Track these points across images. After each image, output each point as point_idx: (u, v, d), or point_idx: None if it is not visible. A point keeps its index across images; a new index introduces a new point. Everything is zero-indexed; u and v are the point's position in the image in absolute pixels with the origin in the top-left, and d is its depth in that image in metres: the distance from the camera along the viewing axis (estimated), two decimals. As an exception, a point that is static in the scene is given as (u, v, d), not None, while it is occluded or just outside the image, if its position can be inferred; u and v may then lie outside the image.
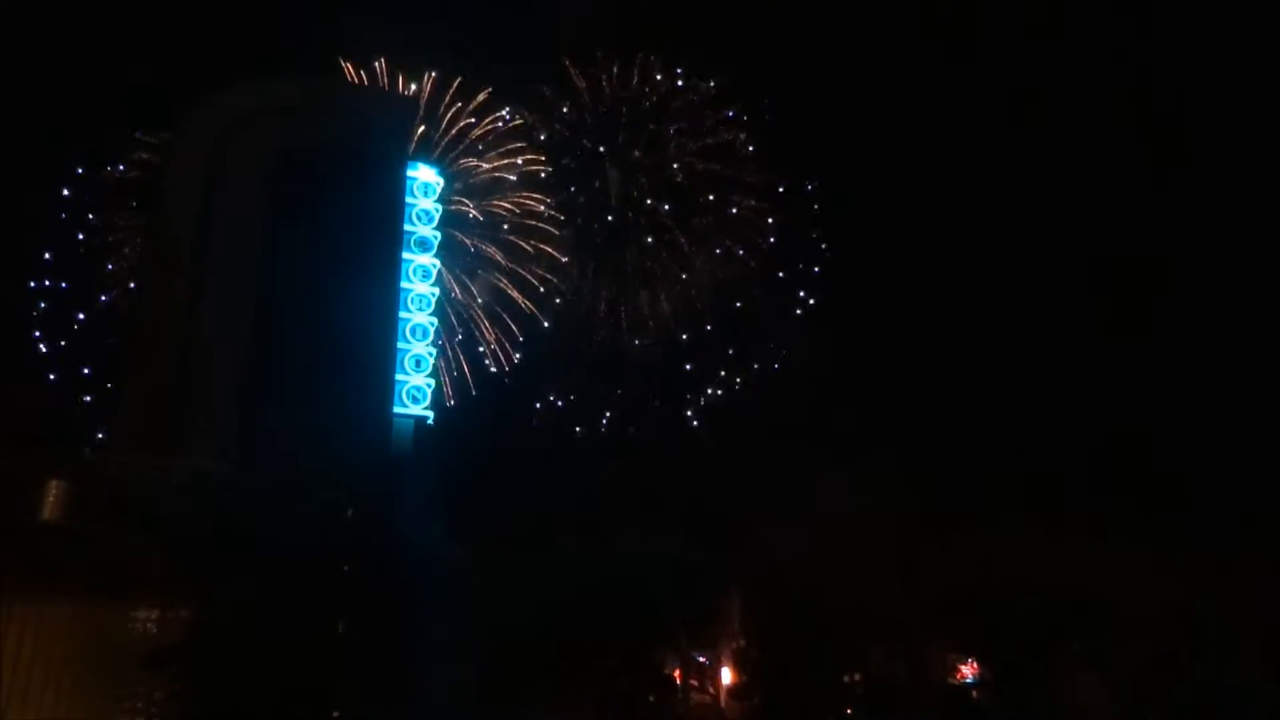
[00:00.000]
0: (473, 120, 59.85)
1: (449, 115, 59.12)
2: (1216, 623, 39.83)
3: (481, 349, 58.20)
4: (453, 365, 57.35)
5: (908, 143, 67.73)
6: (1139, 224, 60.07)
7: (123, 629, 34.85)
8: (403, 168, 50.52)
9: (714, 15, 69.13)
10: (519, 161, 60.55)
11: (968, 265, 62.33)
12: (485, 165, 59.83)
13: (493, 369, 58.47)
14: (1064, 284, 61.09)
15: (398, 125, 51.88)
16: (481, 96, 59.67)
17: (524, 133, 61.37)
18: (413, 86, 58.24)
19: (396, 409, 47.23)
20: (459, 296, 57.99)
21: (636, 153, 63.88)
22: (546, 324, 59.31)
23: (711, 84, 64.77)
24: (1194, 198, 59.24)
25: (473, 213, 58.95)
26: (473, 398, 57.21)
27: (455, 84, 58.83)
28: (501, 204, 59.84)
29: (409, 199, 50.34)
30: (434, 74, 58.71)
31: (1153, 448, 49.95)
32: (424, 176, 51.40)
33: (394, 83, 57.57)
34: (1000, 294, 60.68)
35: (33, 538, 33.68)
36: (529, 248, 59.55)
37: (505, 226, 59.47)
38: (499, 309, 58.63)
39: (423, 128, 57.56)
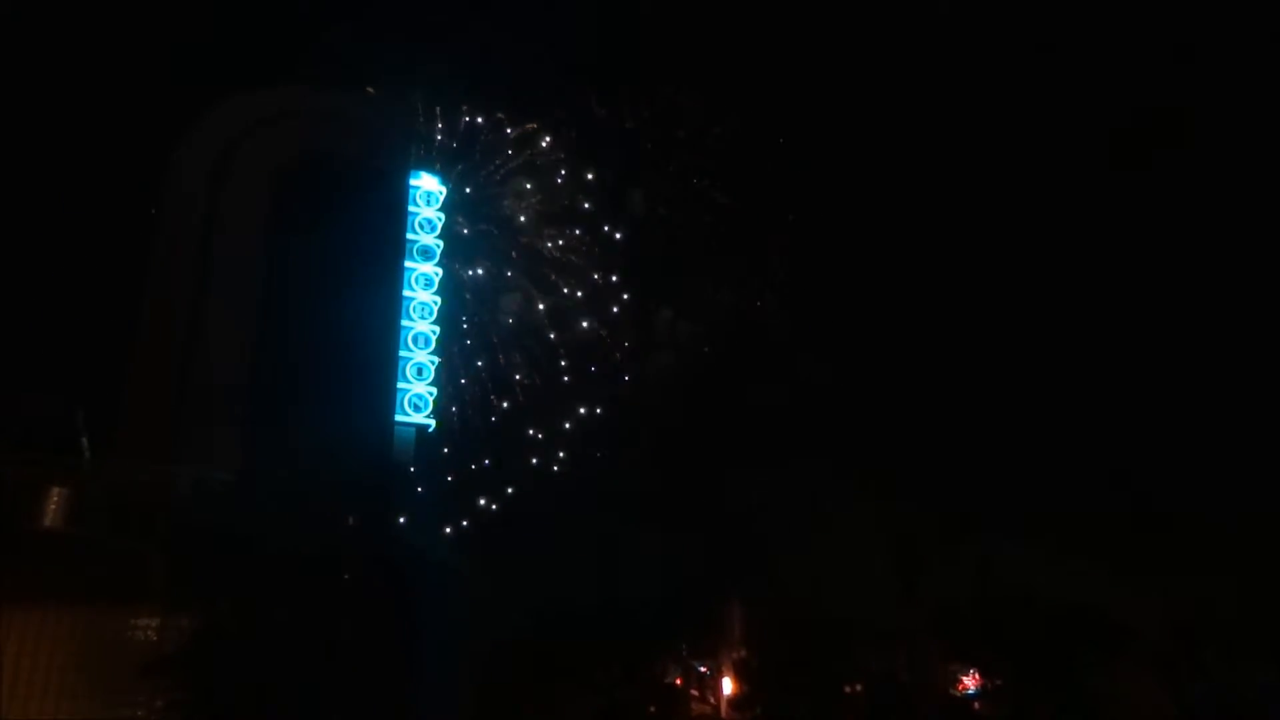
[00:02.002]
0: (506, 155, 60.58)
1: (479, 145, 59.82)
2: (1220, 627, 39.84)
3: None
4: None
5: (903, 147, 67.85)
6: (1134, 223, 60.28)
7: (123, 636, 34.73)
8: (406, 176, 50.75)
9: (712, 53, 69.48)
10: (548, 194, 61.25)
11: (966, 271, 62.46)
12: (512, 195, 60.38)
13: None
14: (1061, 288, 61.19)
15: (401, 133, 52.24)
16: (512, 132, 60.42)
17: (551, 164, 61.97)
18: (452, 144, 59.01)
19: (398, 417, 47.25)
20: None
21: (657, 182, 64.65)
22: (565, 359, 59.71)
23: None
24: (1189, 198, 59.51)
25: (514, 253, 59.69)
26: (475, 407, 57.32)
27: (494, 117, 59.71)
28: (535, 237, 60.61)
29: (412, 207, 50.60)
30: (473, 113, 59.39)
31: (1151, 451, 50.05)
32: (427, 185, 51.59)
33: (431, 118, 58.23)
34: (998, 301, 60.79)
35: (33, 545, 33.58)
36: (556, 277, 60.35)
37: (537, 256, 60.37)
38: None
39: (460, 166, 58.32)
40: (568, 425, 58.71)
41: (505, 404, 58.08)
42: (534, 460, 56.62)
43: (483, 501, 54.50)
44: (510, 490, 55.24)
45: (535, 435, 57.93)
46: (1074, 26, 67.06)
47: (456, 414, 55.88)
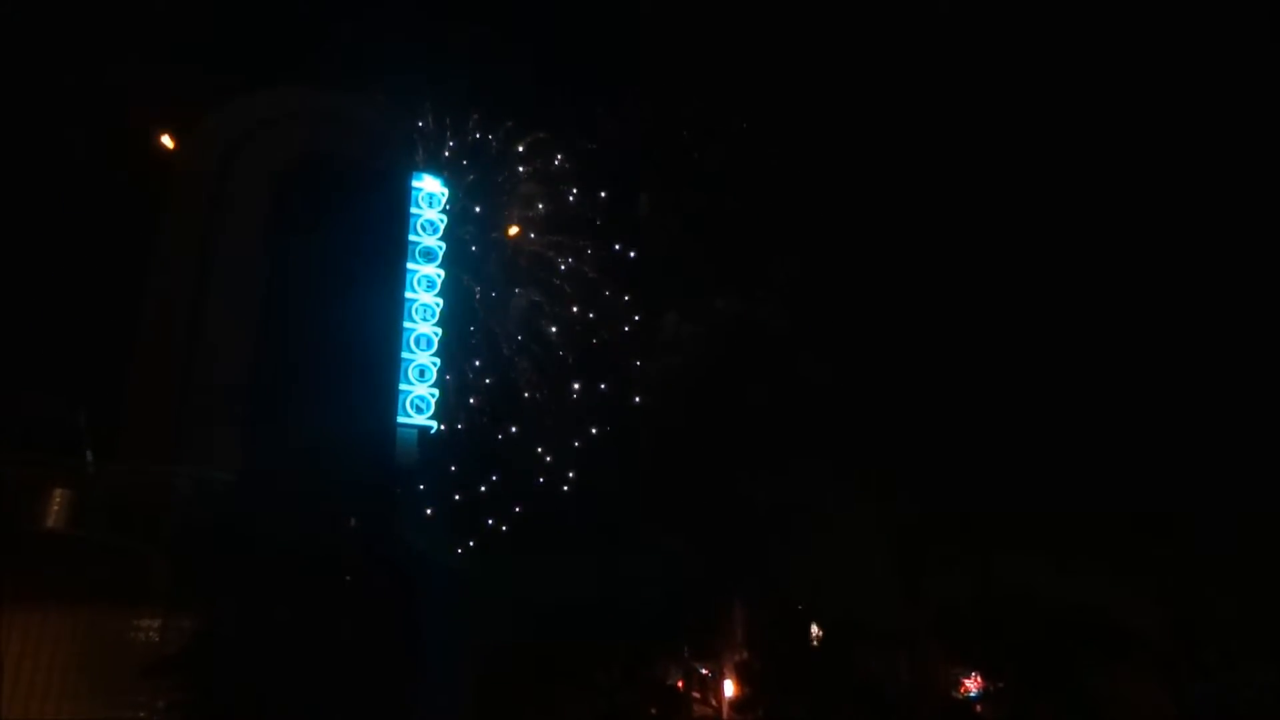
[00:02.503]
0: (512, 163, 60.59)
1: (486, 154, 59.85)
2: (1221, 627, 39.88)
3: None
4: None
5: (904, 147, 67.83)
6: (1136, 226, 60.30)
7: (125, 637, 34.69)
8: (408, 178, 50.78)
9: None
10: (563, 201, 61.27)
11: (967, 272, 62.47)
12: (518, 202, 60.38)
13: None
14: (1062, 289, 61.18)
15: (403, 135, 52.27)
16: (516, 140, 60.51)
17: (557, 172, 62.01)
18: (458, 151, 58.94)
19: (400, 418, 47.25)
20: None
21: (662, 185, 64.69)
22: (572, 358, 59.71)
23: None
24: (1189, 202, 59.57)
25: (522, 260, 59.71)
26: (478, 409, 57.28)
27: (505, 130, 59.88)
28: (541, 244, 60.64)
29: (414, 209, 50.63)
30: (478, 120, 59.48)
31: (1152, 452, 50.04)
32: (429, 187, 51.61)
33: (432, 124, 58.20)
34: (999, 303, 60.78)
35: (35, 546, 33.54)
36: (561, 282, 60.34)
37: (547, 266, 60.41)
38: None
39: (471, 176, 58.39)
40: (574, 435, 58.67)
41: (511, 412, 58.05)
42: (541, 479, 56.29)
43: (491, 521, 54.18)
44: (515, 500, 55.00)
45: (541, 440, 57.87)
46: (1076, 26, 67.16)
47: (463, 424, 55.78)
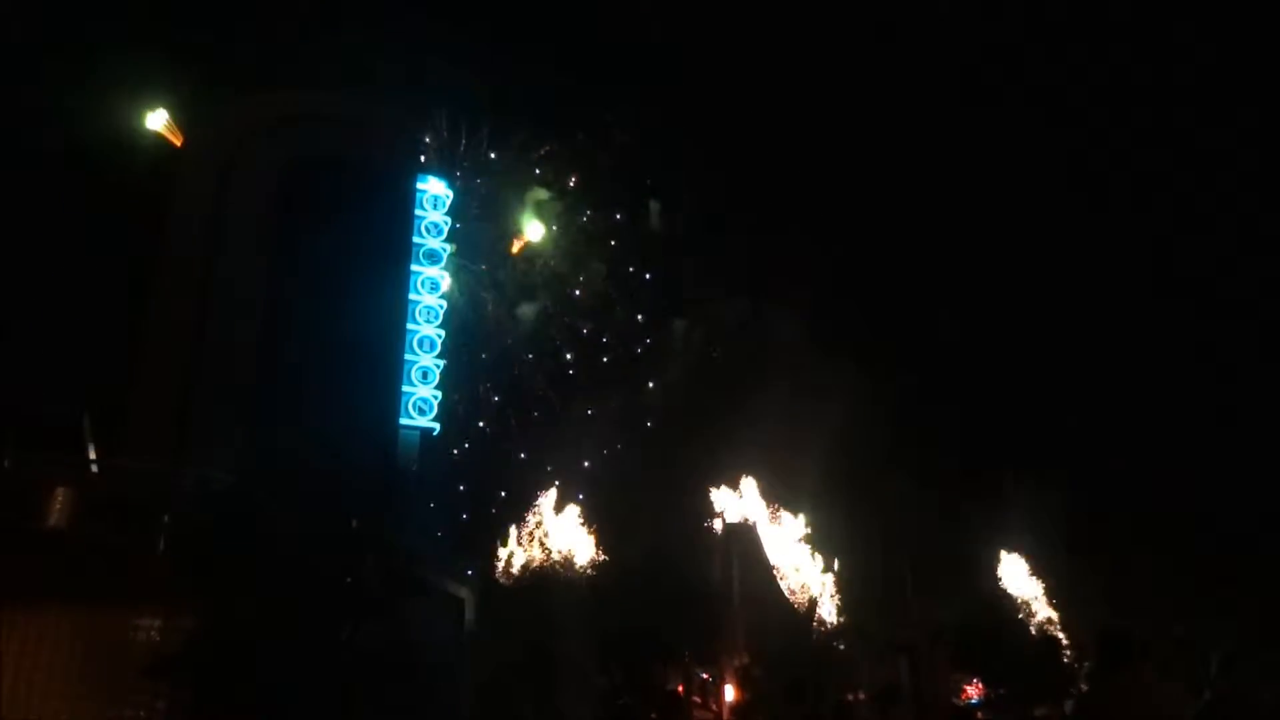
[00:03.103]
0: (520, 169, 60.63)
1: (495, 161, 59.85)
2: (1226, 637, 39.67)
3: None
4: None
5: (906, 150, 67.82)
6: (1142, 227, 60.24)
7: (126, 637, 34.55)
8: (413, 179, 50.85)
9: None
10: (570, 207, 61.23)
11: (971, 281, 62.41)
12: (529, 210, 60.35)
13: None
14: (1072, 295, 61.12)
15: (408, 137, 52.32)
16: (527, 146, 60.57)
17: (568, 180, 61.97)
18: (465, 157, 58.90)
19: (403, 421, 47.23)
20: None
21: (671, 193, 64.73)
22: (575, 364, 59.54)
23: None
24: (1203, 211, 59.42)
25: (531, 267, 59.59)
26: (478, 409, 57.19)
27: (517, 141, 59.95)
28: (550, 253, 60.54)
29: (419, 211, 50.65)
30: (488, 126, 59.56)
31: (1158, 458, 50.03)
32: (434, 189, 51.64)
33: (455, 136, 58.26)
34: (1008, 308, 60.77)
35: (37, 544, 33.47)
36: (575, 294, 60.33)
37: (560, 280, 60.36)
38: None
39: (480, 185, 58.31)
40: (578, 436, 58.52)
41: (515, 415, 57.91)
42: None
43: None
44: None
45: (545, 441, 57.72)
46: (1077, 26, 67.11)
47: (464, 425, 55.58)
